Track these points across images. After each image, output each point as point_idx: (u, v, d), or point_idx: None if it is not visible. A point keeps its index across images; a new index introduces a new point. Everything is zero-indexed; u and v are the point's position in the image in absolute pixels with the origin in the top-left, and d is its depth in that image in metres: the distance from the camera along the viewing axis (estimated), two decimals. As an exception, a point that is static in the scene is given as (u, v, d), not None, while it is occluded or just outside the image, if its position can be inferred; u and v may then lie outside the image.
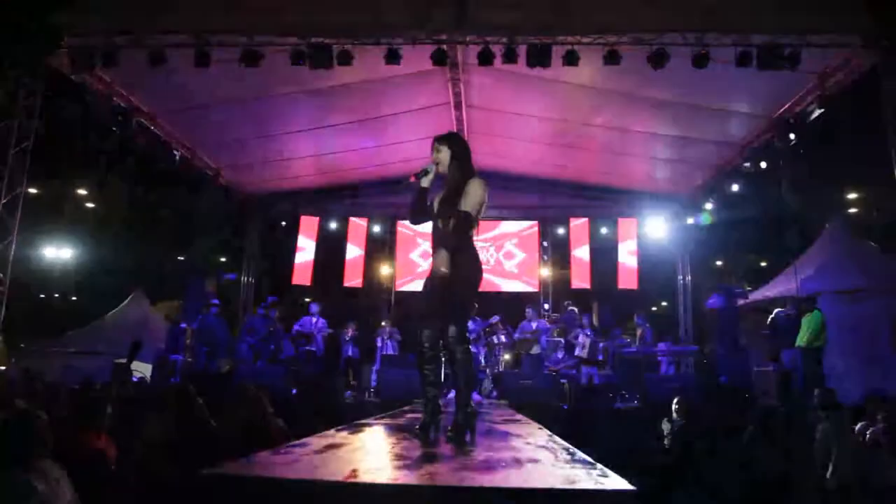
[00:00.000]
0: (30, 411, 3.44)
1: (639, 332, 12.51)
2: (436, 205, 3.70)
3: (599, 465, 2.30)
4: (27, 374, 10.68)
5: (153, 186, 14.53)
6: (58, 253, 21.27)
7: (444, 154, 3.67)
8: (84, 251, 21.57)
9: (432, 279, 3.57)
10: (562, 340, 12.53)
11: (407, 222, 15.98)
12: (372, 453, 2.53)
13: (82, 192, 21.10)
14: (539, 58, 8.78)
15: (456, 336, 3.46)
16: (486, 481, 1.95)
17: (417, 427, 3.50)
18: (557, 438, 3.29)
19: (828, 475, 6.37)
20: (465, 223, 3.53)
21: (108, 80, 10.32)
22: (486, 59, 8.97)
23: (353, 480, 1.84)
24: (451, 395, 4.89)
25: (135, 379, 10.47)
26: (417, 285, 15.92)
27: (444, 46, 9.10)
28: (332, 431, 3.51)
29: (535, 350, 12.15)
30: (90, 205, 21.70)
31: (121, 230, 21.29)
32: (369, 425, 4.02)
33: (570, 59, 8.79)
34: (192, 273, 14.53)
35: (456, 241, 3.49)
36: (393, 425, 4.03)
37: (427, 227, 3.83)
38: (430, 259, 3.66)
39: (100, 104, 10.41)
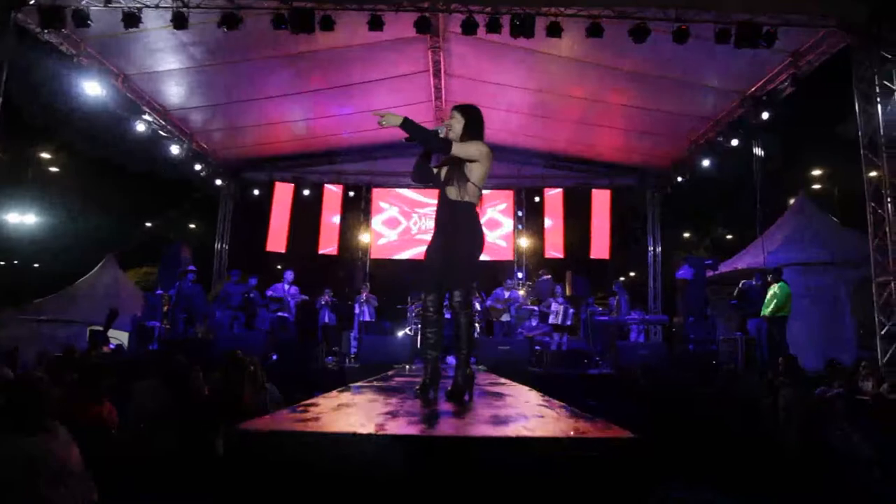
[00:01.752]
0: (34, 376, 3.47)
1: (615, 299, 12.81)
2: (443, 172, 3.75)
3: (600, 419, 2.47)
4: None
5: (124, 150, 14.24)
6: (21, 218, 20.76)
7: (458, 122, 3.67)
8: (50, 217, 21.08)
9: (437, 245, 3.67)
10: (535, 309, 12.80)
11: (382, 190, 16.10)
12: (384, 411, 2.65)
13: (46, 155, 20.51)
14: (522, 28, 8.83)
15: (461, 301, 3.58)
16: (508, 432, 2.10)
17: (417, 388, 3.63)
18: (552, 399, 3.46)
19: (789, 438, 6.71)
20: (440, 142, 3.58)
21: (79, 40, 10.04)
22: (469, 28, 8.99)
23: (385, 433, 1.96)
24: (450, 360, 5.02)
25: (112, 346, 10.44)
26: (394, 252, 16.06)
27: (428, 14, 9.08)
28: (334, 393, 3.62)
29: (506, 318, 12.38)
30: (54, 169, 21.14)
31: (89, 195, 20.81)
32: (367, 387, 4.14)
33: (553, 31, 8.86)
34: (167, 239, 14.36)
35: (463, 212, 3.60)
36: (388, 388, 4.15)
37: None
38: (424, 225, 3.77)
39: (70, 64, 10.16)
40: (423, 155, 3.77)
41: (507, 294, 12.51)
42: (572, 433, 2.13)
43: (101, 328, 10.42)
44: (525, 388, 4.36)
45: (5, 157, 17.78)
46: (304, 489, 1.87)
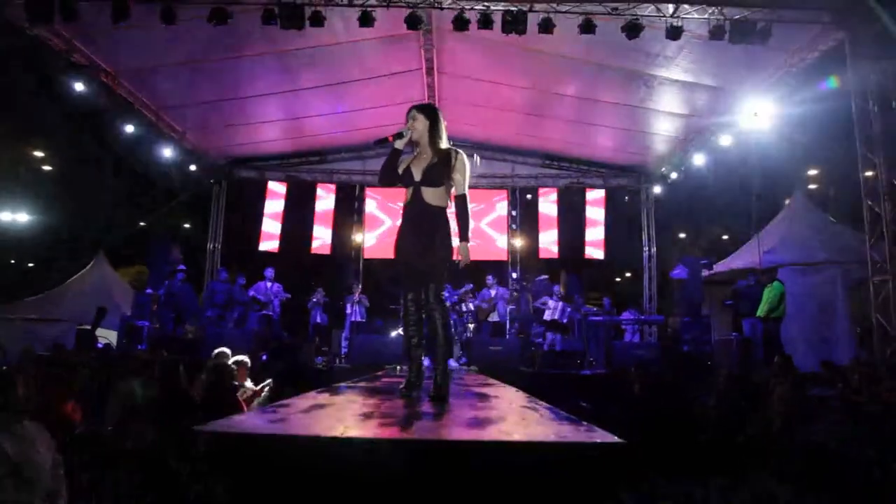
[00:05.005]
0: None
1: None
2: (416, 171, 3.72)
3: (584, 422, 2.36)
4: None
5: (114, 149, 14.06)
6: (14, 217, 20.62)
7: (421, 123, 3.75)
8: (42, 216, 20.92)
9: (414, 245, 3.62)
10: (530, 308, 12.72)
11: (376, 189, 15.97)
12: (359, 413, 2.55)
13: (38, 154, 20.34)
14: (514, 24, 8.71)
15: (436, 296, 3.60)
16: (480, 436, 1.99)
17: (402, 387, 3.58)
18: (538, 400, 3.36)
19: (782, 437, 6.61)
20: (467, 205, 3.74)
21: (67, 36, 9.91)
22: (461, 24, 8.87)
23: (350, 436, 1.85)
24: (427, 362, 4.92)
25: (100, 345, 10.30)
26: (386, 253, 15.91)
27: (419, 10, 8.96)
28: (312, 393, 3.52)
29: (493, 318, 12.25)
30: (47, 168, 20.97)
31: (81, 194, 20.64)
32: (349, 388, 4.04)
33: (546, 27, 8.74)
34: (157, 239, 14.23)
35: (440, 216, 3.68)
36: (372, 388, 4.05)
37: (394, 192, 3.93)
38: (397, 223, 3.74)
39: (60, 61, 10.02)
40: (393, 155, 3.77)
41: (492, 292, 12.38)
42: (552, 437, 2.02)
43: (89, 327, 10.28)
44: (512, 390, 4.26)
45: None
46: (262, 492, 1.75)
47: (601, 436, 2.00)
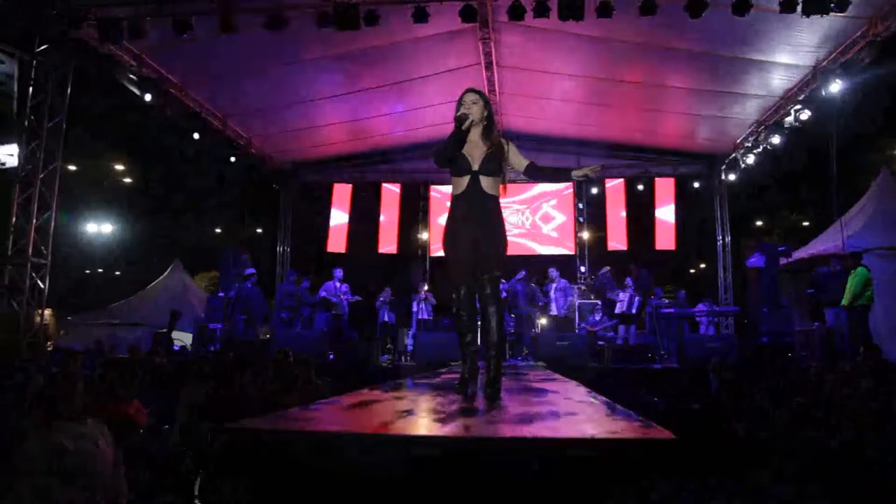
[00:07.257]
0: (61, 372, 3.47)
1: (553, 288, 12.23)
2: (474, 160, 3.61)
3: (641, 417, 2.21)
4: (100, 346, 11.11)
5: (188, 158, 14.61)
6: (99, 228, 21.80)
7: (479, 108, 3.64)
8: (123, 226, 22.03)
9: (469, 237, 3.51)
10: (598, 303, 12.41)
11: (440, 187, 15.94)
12: (404, 408, 2.48)
13: (119, 167, 21.42)
14: (571, 10, 8.46)
15: (492, 289, 3.47)
16: (523, 432, 1.88)
17: (457, 383, 3.51)
18: (597, 394, 3.21)
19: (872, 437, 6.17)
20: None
21: (137, 52, 10.33)
22: (516, 13, 8.69)
23: (381, 432, 1.78)
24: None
25: (176, 347, 10.70)
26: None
27: (473, 2, 8.84)
28: (364, 390, 3.49)
29: (553, 311, 12.01)
30: (127, 180, 22.06)
31: (160, 204, 21.63)
32: (403, 384, 3.99)
33: (604, 11, 8.45)
34: (227, 244, 14.72)
35: (497, 205, 3.61)
36: (426, 384, 3.99)
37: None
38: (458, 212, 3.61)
39: (129, 76, 10.45)
40: (461, 137, 3.60)
41: (552, 287, 12.13)
42: (603, 434, 1.88)
43: (165, 330, 10.71)
44: (573, 384, 4.10)
45: (84, 171, 18.58)
46: (286, 488, 1.71)
47: (654, 432, 1.85)
